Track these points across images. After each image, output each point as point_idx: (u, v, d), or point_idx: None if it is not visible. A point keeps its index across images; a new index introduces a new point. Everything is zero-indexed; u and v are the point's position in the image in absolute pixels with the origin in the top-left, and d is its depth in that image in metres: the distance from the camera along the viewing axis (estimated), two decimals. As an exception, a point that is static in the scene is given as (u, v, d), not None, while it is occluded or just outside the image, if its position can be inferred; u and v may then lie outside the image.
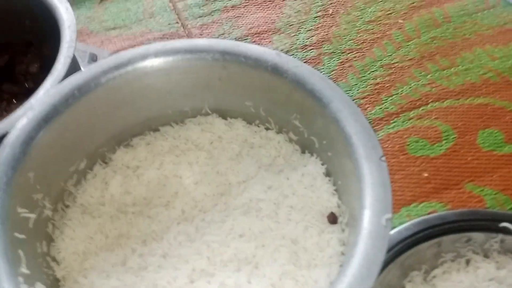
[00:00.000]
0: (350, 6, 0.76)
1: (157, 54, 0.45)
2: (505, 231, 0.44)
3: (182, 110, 0.51)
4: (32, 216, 0.40)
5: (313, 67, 0.65)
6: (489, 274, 0.44)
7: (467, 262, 0.45)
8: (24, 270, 0.36)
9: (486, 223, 0.44)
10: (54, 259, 0.43)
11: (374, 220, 0.32)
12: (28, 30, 0.58)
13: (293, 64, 0.43)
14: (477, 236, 0.44)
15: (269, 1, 0.77)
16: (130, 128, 0.50)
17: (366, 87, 0.64)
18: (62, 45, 0.46)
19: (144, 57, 0.45)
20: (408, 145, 0.57)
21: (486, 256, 0.45)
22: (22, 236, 0.38)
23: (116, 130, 0.48)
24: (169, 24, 0.74)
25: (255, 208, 0.45)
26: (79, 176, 0.47)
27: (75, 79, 0.43)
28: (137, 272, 0.42)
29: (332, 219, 0.43)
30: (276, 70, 0.44)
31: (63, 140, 0.43)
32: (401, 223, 0.45)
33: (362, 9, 0.75)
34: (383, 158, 0.36)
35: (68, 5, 0.49)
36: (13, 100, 0.56)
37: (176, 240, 0.44)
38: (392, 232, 0.44)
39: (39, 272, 0.39)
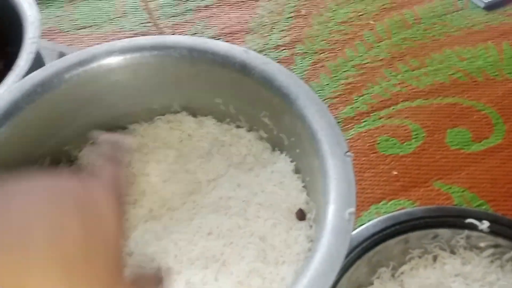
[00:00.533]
0: (323, 7, 0.76)
1: (122, 50, 0.45)
2: (471, 227, 0.44)
3: (151, 107, 0.50)
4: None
5: (285, 67, 0.65)
6: (455, 269, 0.44)
7: (434, 258, 0.46)
8: None
9: (453, 219, 0.45)
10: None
11: (338, 214, 0.32)
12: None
13: (261, 61, 0.43)
14: (444, 232, 0.45)
15: (242, 1, 0.77)
16: (96, 126, 0.48)
17: (337, 87, 0.65)
18: (25, 41, 0.45)
19: (109, 53, 0.44)
20: (378, 143, 0.58)
21: (452, 252, 0.45)
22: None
23: (81, 128, 0.47)
24: (141, 23, 0.73)
25: (224, 206, 0.44)
26: (43, 174, 0.46)
27: (38, 74, 0.42)
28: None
29: (300, 215, 0.42)
30: (244, 67, 0.43)
31: (25, 137, 0.42)
32: (370, 221, 0.45)
33: (334, 10, 0.76)
34: (348, 154, 0.36)
35: (31, 0, 0.48)
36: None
37: (142, 239, 0.43)
38: (360, 228, 0.44)
39: None
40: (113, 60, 0.44)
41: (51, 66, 0.42)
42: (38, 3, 0.53)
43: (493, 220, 0.44)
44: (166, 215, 0.45)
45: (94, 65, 0.43)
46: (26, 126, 0.41)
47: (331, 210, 0.33)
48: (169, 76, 0.47)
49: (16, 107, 0.40)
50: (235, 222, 0.43)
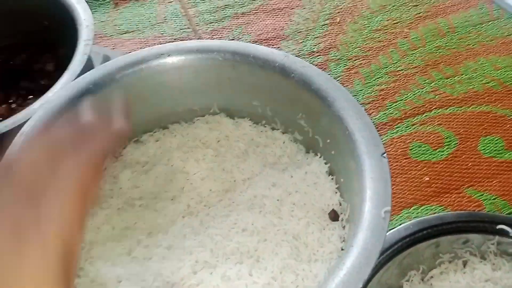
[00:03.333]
0: (358, 15, 0.78)
1: (170, 53, 0.47)
2: (502, 233, 0.45)
3: (192, 108, 0.52)
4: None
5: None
6: (485, 275, 0.45)
7: (464, 263, 0.46)
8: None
9: (484, 225, 0.45)
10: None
11: (374, 212, 0.34)
12: (45, 31, 0.61)
13: (300, 65, 0.45)
14: (475, 237, 0.45)
15: (278, 9, 0.79)
16: (140, 125, 0.51)
17: (371, 93, 0.66)
18: (79, 43, 0.48)
19: (157, 56, 0.47)
20: (411, 149, 0.59)
21: (482, 257, 0.46)
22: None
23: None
24: (180, 29, 0.76)
25: (258, 204, 0.46)
26: (90, 168, 0.49)
27: (91, 74, 0.45)
28: (142, 262, 0.43)
29: (334, 216, 0.44)
30: (283, 70, 0.45)
31: (77, 133, 0.45)
32: (401, 224, 0.46)
33: (369, 18, 0.77)
34: (385, 155, 0.37)
35: (86, 6, 0.52)
36: (29, 96, 0.58)
37: (180, 233, 0.45)
38: (392, 231, 0.45)
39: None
40: (161, 62, 0.47)
41: (103, 67, 0.45)
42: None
43: (525, 227, 0.45)
44: (203, 211, 0.47)
45: (143, 66, 0.46)
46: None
47: (368, 208, 0.34)
48: (211, 79, 0.49)
49: (71, 103, 0.43)
50: (269, 220, 0.45)
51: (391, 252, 0.44)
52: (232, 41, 0.48)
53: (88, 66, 0.51)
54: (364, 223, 0.33)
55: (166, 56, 0.47)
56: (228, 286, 0.39)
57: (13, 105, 0.56)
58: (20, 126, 0.42)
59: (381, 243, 0.32)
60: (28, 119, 0.42)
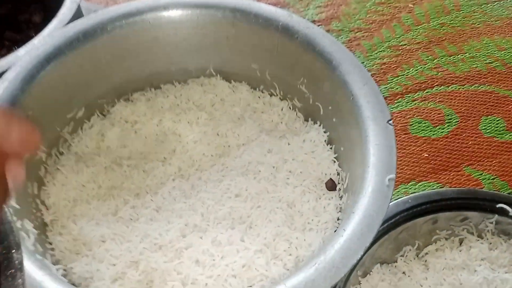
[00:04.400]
0: (361, -13, 0.75)
1: (167, 6, 0.44)
2: (501, 212, 0.44)
3: (186, 68, 0.50)
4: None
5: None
6: (481, 253, 0.44)
7: (461, 241, 0.45)
8: (13, 203, 0.35)
9: (484, 202, 0.44)
10: (43, 203, 0.42)
11: (378, 179, 0.32)
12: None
13: (304, 25, 0.43)
14: (473, 215, 0.44)
15: (281, -25, 0.76)
16: (131, 82, 0.49)
17: (372, 66, 0.64)
18: (69, -11, 0.45)
19: (153, 8, 0.44)
20: (411, 125, 0.57)
21: (479, 236, 0.45)
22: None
23: (117, 82, 0.47)
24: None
25: (253, 171, 0.44)
26: (76, 124, 0.46)
27: (81, 23, 0.42)
28: (128, 223, 0.41)
29: (331, 185, 0.42)
30: (287, 31, 0.43)
31: (64, 84, 0.42)
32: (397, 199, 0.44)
33: (373, -10, 0.75)
34: (391, 122, 0.35)
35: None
36: (14, 47, 0.55)
37: (170, 195, 0.43)
38: (390, 204, 0.44)
39: (28, 211, 0.38)
40: (157, 15, 0.44)
41: (95, 16, 0.42)
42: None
43: (525, 207, 0.44)
44: (195, 174, 0.45)
45: (137, 19, 0.44)
46: (66, 72, 0.42)
47: (371, 175, 0.33)
48: (209, 37, 0.46)
49: (58, 52, 0.40)
50: (263, 187, 0.43)
51: (387, 226, 0.43)
52: (234, -3, 0.45)
53: (78, 16, 0.48)
54: (367, 190, 0.32)
55: (163, 9, 0.44)
56: (218, 250, 0.38)
57: (-3, 55, 0.53)
58: (3, 72, 0.39)
59: (385, 210, 0.30)
60: (12, 65, 0.39)
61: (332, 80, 0.40)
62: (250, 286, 0.36)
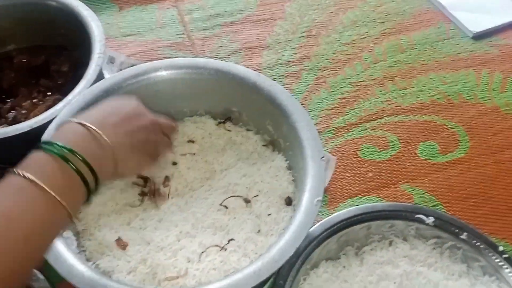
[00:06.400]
0: (331, 29, 0.89)
1: (166, 68, 0.59)
2: (420, 221, 0.57)
3: (182, 110, 0.65)
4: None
5: (292, 81, 0.79)
6: (404, 252, 0.58)
7: (390, 243, 0.59)
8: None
9: (406, 213, 0.58)
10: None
11: (309, 200, 0.46)
12: (62, 37, 0.72)
13: (268, 83, 0.57)
14: (398, 223, 0.58)
15: (263, 19, 0.91)
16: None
17: (334, 101, 0.77)
18: (93, 56, 0.60)
19: (155, 69, 0.59)
20: (361, 150, 0.71)
21: (404, 239, 0.59)
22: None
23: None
24: (176, 34, 0.88)
25: (232, 190, 0.59)
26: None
27: (103, 83, 0.57)
28: (138, 231, 0.55)
29: (288, 201, 0.56)
30: (255, 87, 0.58)
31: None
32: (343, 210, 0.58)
33: (340, 32, 0.89)
34: (323, 159, 0.50)
35: (99, 23, 0.63)
36: (47, 93, 0.70)
37: (169, 210, 0.57)
38: (334, 214, 0.57)
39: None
40: (159, 75, 0.59)
41: (113, 77, 0.57)
42: (93, 11, 0.67)
43: (437, 217, 0.57)
44: (188, 193, 0.59)
45: (145, 77, 0.58)
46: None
47: (306, 197, 0.47)
48: (199, 89, 0.61)
49: (87, 106, 0.55)
50: (239, 203, 0.57)
51: (332, 231, 0.56)
52: (216, 60, 0.59)
53: (100, 76, 0.63)
54: (302, 207, 0.46)
55: (163, 70, 0.59)
56: (203, 251, 0.52)
57: (35, 100, 0.68)
58: (49, 122, 0.54)
59: (311, 223, 0.45)
60: (55, 117, 0.54)
61: (287, 125, 0.55)
62: (226, 276, 0.51)
